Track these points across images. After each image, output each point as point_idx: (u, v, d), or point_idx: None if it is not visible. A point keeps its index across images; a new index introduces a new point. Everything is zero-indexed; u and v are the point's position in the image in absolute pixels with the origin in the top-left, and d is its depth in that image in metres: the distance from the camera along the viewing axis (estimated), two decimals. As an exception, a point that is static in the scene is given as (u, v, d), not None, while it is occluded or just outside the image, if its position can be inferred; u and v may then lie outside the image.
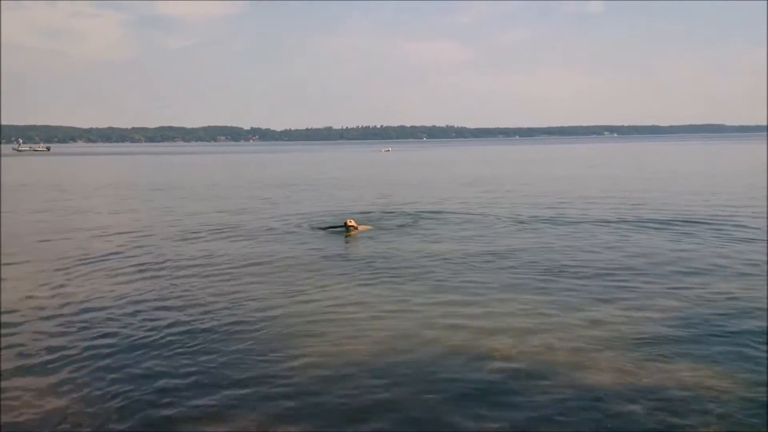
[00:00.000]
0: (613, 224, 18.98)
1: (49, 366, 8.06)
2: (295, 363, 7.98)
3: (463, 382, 7.35)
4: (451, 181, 40.86)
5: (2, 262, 14.65)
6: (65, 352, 8.49)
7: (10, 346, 8.78)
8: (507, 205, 24.75)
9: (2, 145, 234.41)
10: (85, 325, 9.71)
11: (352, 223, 18.38)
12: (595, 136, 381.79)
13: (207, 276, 12.83)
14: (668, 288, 11.33)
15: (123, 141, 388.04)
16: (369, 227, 18.97)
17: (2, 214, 24.69)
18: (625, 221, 19.54)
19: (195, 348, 8.58)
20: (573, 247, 15.33)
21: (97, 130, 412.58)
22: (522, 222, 19.91)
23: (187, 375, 7.67)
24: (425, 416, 6.57)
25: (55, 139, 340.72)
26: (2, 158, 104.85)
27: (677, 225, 18.52)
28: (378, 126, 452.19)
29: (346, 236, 17.74)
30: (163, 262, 14.30)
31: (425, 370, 7.71)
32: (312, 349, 8.46)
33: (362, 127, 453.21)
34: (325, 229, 18.96)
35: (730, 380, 7.23)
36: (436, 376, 7.53)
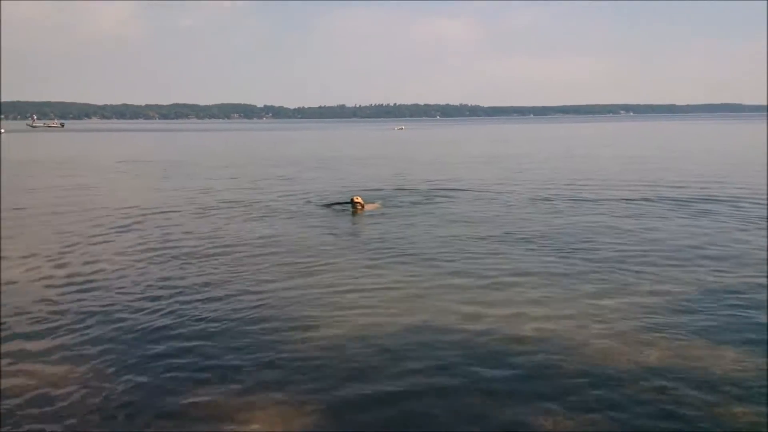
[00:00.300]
0: (633, 204, 18.44)
1: (53, 348, 7.79)
2: (308, 346, 7.67)
3: (485, 370, 6.96)
4: (466, 160, 40.33)
5: (6, 235, 14.45)
6: (68, 334, 8.23)
7: (10, 329, 8.53)
8: (523, 184, 24.20)
9: (15, 121, 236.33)
10: (88, 303, 9.45)
11: (359, 200, 17.70)
12: (611, 115, 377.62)
13: (214, 255, 12.50)
14: (694, 270, 10.86)
15: (137, 118, 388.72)
16: (377, 205, 18.40)
17: (13, 188, 24.60)
18: (646, 200, 18.98)
19: (201, 331, 8.27)
20: (593, 228, 14.85)
21: (112, 106, 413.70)
22: (540, 201, 19.41)
23: (195, 359, 7.37)
24: (447, 408, 6.19)
25: (70, 116, 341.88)
26: (16, 134, 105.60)
27: (699, 203, 17.98)
28: (391, 104, 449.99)
29: (353, 213, 17.26)
30: (170, 240, 14.04)
31: (444, 355, 7.34)
32: (324, 334, 8.11)
33: (375, 105, 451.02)
34: (330, 205, 18.52)
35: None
36: (456, 361, 7.16)
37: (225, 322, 8.55)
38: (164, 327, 8.40)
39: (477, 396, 6.38)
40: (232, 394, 6.46)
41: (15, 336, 8.17)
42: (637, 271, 10.81)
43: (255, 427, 5.87)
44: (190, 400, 6.37)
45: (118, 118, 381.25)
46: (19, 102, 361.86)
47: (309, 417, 6.03)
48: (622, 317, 8.50)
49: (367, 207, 17.78)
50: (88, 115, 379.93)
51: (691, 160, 36.40)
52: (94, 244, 13.74)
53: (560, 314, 8.67)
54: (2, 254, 12.68)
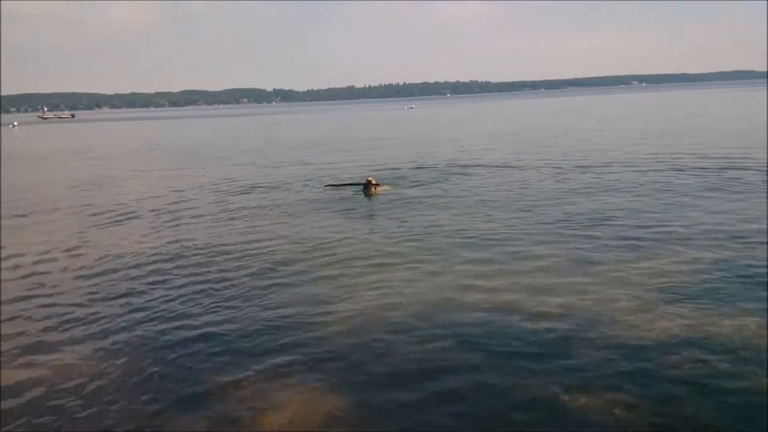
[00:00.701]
0: (652, 174, 18.11)
1: (62, 340, 7.73)
2: (332, 328, 7.54)
3: (510, 347, 6.83)
4: (480, 137, 39.91)
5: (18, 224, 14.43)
6: (78, 325, 8.15)
7: (21, 319, 8.47)
8: (542, 158, 23.84)
9: (27, 114, 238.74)
10: (97, 292, 9.37)
11: (374, 181, 17.31)
12: (623, 86, 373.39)
13: (227, 243, 12.41)
14: (721, 239, 10.61)
15: (147, 106, 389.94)
16: (386, 187, 17.72)
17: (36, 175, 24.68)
18: (667, 170, 18.63)
19: (216, 318, 8.14)
20: (614, 203, 14.59)
21: (121, 96, 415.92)
22: (559, 174, 19.11)
23: (208, 347, 7.25)
24: (474, 385, 6.05)
25: (81, 106, 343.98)
26: (28, 126, 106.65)
27: (720, 172, 17.60)
28: (401, 83, 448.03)
29: (367, 195, 16.85)
30: (183, 226, 13.96)
31: (468, 333, 7.21)
32: (348, 314, 7.98)
33: (384, 85, 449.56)
34: (341, 185, 18.18)
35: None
36: (482, 339, 7.02)
37: (240, 310, 8.39)
38: (178, 315, 8.28)
39: (503, 372, 6.27)
40: (252, 382, 6.33)
41: (23, 326, 8.11)
42: (662, 245, 10.59)
43: (278, 414, 5.73)
44: (206, 389, 6.25)
45: (128, 107, 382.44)
46: (29, 94, 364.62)
47: (333, 401, 5.91)
48: (648, 291, 8.28)
49: (379, 189, 17.32)
50: (98, 105, 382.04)
51: (721, 131, 35.74)
52: (121, 226, 13.72)
53: (583, 289, 8.48)
54: (21, 247, 12.66)
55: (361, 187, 17.39)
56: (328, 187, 18.49)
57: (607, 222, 12.36)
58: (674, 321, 7.24)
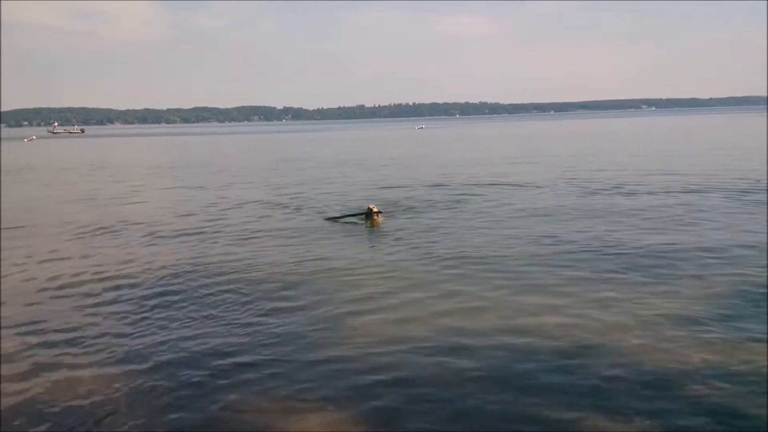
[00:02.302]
0: (671, 196, 17.88)
1: (73, 346, 7.54)
2: (346, 351, 7.32)
3: (527, 373, 6.70)
4: (493, 159, 39.81)
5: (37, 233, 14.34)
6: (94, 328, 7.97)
7: (36, 327, 8.30)
8: (557, 182, 23.62)
9: (39, 128, 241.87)
10: (107, 305, 9.20)
11: (375, 209, 16.03)
12: (632, 110, 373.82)
13: (242, 263, 12.25)
14: (745, 268, 10.35)
15: (159, 122, 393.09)
16: (383, 218, 16.19)
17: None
18: (685, 193, 18.40)
19: (228, 336, 7.96)
20: (627, 224, 14.37)
21: (134, 111, 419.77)
22: (578, 198, 18.91)
23: (221, 363, 7.04)
24: (489, 411, 5.86)
25: (93, 121, 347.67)
26: (37, 140, 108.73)
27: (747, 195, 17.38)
28: (410, 103, 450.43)
29: (370, 224, 15.73)
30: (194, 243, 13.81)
31: (480, 355, 7.10)
32: (363, 340, 7.76)
33: (394, 104, 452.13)
34: (342, 217, 16.78)
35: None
36: (495, 362, 6.89)
37: (262, 331, 8.22)
38: (185, 333, 8.15)
39: (520, 398, 6.21)
40: (259, 406, 6.23)
41: (28, 340, 7.94)
42: (678, 268, 10.44)
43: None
44: (220, 405, 6.22)
45: (140, 123, 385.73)
46: (42, 108, 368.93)
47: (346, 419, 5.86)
48: (665, 317, 8.16)
49: (382, 216, 16.16)
50: (110, 121, 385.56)
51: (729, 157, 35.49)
52: (126, 241, 13.57)
53: (595, 312, 8.41)
54: (53, 255, 12.58)
55: (363, 216, 16.24)
56: (329, 221, 16.83)
57: (620, 245, 12.20)
58: (690, 349, 7.12)
